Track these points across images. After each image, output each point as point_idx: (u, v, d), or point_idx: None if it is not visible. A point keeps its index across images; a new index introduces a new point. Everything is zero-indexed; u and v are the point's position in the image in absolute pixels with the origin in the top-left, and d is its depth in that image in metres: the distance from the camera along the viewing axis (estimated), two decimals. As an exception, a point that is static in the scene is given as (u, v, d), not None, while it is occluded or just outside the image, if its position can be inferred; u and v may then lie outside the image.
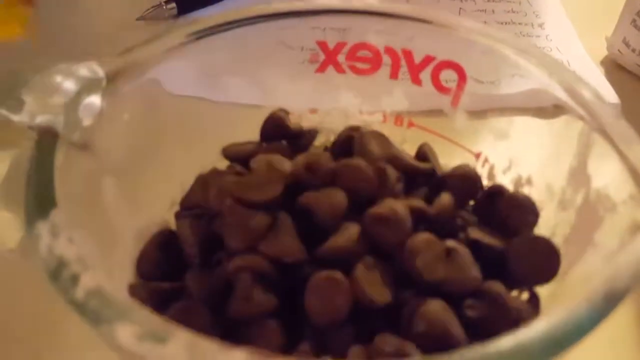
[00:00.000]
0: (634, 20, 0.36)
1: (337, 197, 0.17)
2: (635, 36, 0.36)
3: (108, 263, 0.17)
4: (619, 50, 0.38)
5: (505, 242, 0.18)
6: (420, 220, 0.18)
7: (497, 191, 0.19)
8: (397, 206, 0.17)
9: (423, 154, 0.22)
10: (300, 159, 0.18)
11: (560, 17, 0.42)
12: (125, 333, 0.11)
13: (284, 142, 0.22)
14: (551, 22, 0.42)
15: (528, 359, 0.11)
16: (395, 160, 0.20)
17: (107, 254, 0.17)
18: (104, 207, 0.18)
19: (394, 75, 0.23)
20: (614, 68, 0.38)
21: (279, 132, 0.22)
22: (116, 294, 0.12)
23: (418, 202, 0.18)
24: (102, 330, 0.11)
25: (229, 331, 0.15)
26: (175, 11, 0.40)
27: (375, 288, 0.16)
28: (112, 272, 0.17)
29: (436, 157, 0.22)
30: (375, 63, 0.23)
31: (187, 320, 0.13)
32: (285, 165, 0.20)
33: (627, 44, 0.37)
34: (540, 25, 0.41)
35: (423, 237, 0.17)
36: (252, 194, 0.17)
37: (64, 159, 0.16)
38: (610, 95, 0.34)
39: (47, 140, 0.16)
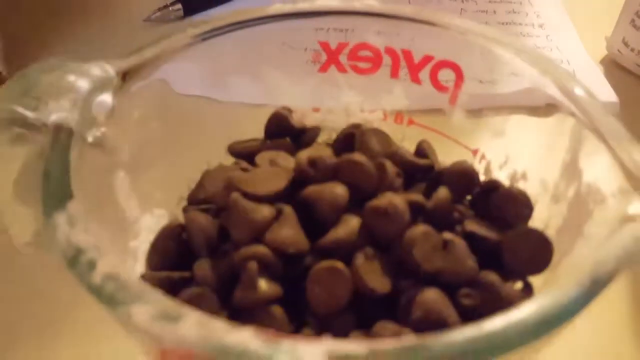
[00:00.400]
0: (632, 21, 0.37)
1: (339, 191, 0.18)
2: (634, 36, 0.37)
3: (121, 254, 0.17)
4: (618, 50, 0.38)
5: (501, 234, 0.19)
6: (419, 213, 0.18)
7: (493, 186, 0.20)
8: (396, 200, 0.18)
9: (422, 151, 0.22)
10: (303, 154, 0.19)
11: (561, 17, 0.43)
12: (140, 314, 0.11)
13: (287, 140, 0.23)
14: (552, 23, 0.42)
15: (518, 339, 0.12)
16: (395, 156, 0.20)
17: (119, 245, 0.18)
18: (116, 202, 0.18)
19: (394, 74, 0.23)
20: (614, 68, 0.38)
21: (283, 130, 0.23)
22: (131, 278, 0.12)
23: (416, 196, 0.19)
24: (118, 312, 0.12)
25: (235, 318, 0.16)
26: (181, 12, 0.41)
27: (375, 278, 0.17)
28: (124, 263, 0.17)
29: (435, 153, 0.23)
30: (376, 63, 0.23)
31: (196, 305, 0.14)
32: (289, 161, 0.20)
33: (626, 44, 0.37)
34: (541, 26, 0.42)
35: (421, 229, 0.17)
36: (257, 188, 0.18)
37: (78, 154, 0.16)
38: (609, 94, 0.34)
39: (62, 136, 0.16)
